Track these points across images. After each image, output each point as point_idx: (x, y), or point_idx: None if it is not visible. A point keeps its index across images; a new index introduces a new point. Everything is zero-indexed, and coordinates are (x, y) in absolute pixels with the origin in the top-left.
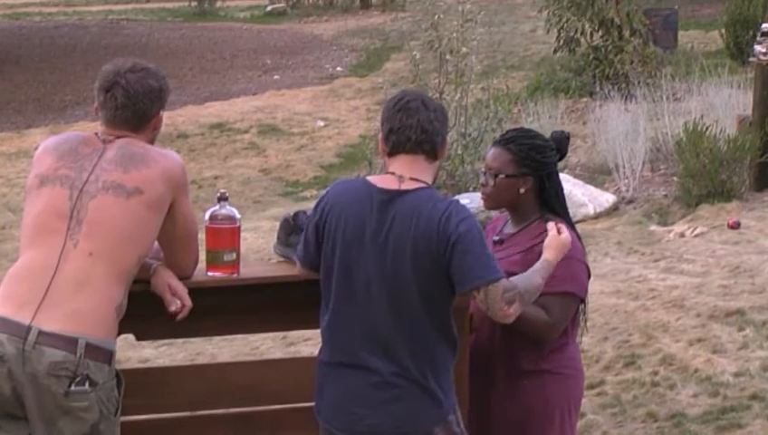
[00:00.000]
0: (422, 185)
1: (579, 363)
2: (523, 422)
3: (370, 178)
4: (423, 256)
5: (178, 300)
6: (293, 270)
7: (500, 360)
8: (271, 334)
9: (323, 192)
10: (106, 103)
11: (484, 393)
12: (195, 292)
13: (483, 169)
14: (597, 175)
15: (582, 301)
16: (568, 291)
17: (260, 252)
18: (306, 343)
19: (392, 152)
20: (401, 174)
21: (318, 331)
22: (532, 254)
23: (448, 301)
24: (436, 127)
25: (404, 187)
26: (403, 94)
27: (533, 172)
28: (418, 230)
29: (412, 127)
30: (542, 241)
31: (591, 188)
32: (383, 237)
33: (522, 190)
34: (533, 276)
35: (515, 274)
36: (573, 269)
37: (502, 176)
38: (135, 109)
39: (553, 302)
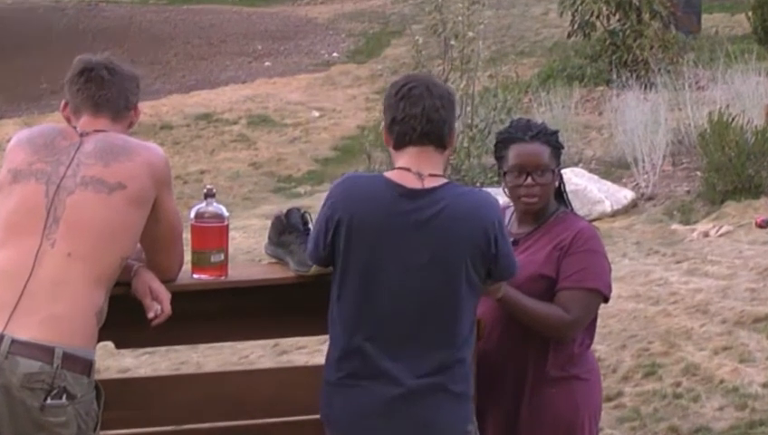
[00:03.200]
0: (444, 180)
1: (598, 368)
2: (555, 433)
3: (389, 176)
4: (465, 256)
5: (158, 305)
6: (286, 272)
7: (523, 367)
8: (261, 342)
9: (334, 185)
10: (88, 84)
11: (514, 403)
12: (179, 296)
13: (513, 170)
14: (614, 169)
15: (606, 300)
16: (592, 287)
17: (250, 252)
18: (300, 351)
19: (398, 145)
20: (419, 171)
21: (313, 338)
22: (559, 251)
23: (476, 300)
24: (443, 115)
25: (428, 185)
26: (406, 80)
27: (558, 163)
28: (459, 232)
29: (416, 117)
30: (566, 236)
31: (608, 184)
32: (414, 239)
33: (556, 184)
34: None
35: (545, 276)
36: (598, 264)
37: (549, 173)
38: (120, 88)
39: (574, 298)
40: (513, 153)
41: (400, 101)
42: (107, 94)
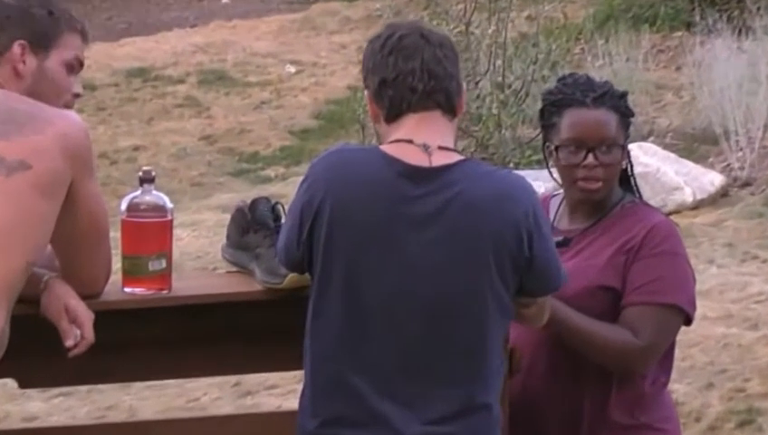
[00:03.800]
0: (459, 157)
1: (677, 415)
2: None
3: (386, 149)
4: (488, 261)
5: (78, 329)
6: (251, 285)
7: (576, 412)
8: (217, 380)
9: (314, 162)
10: None
11: None
12: (105, 317)
13: (568, 144)
14: (697, 145)
15: (688, 322)
16: (669, 303)
17: (201, 258)
18: (269, 392)
19: (392, 114)
20: (424, 142)
21: (287, 374)
22: (625, 254)
23: (507, 322)
24: (448, 68)
25: (437, 162)
26: (392, 29)
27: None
28: (479, 227)
29: (414, 72)
30: (635, 234)
31: (689, 165)
32: (418, 236)
33: (623, 165)
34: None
35: (606, 287)
36: (679, 272)
37: (616, 149)
38: None
39: (646, 316)
40: (570, 121)
41: (389, 56)
42: None
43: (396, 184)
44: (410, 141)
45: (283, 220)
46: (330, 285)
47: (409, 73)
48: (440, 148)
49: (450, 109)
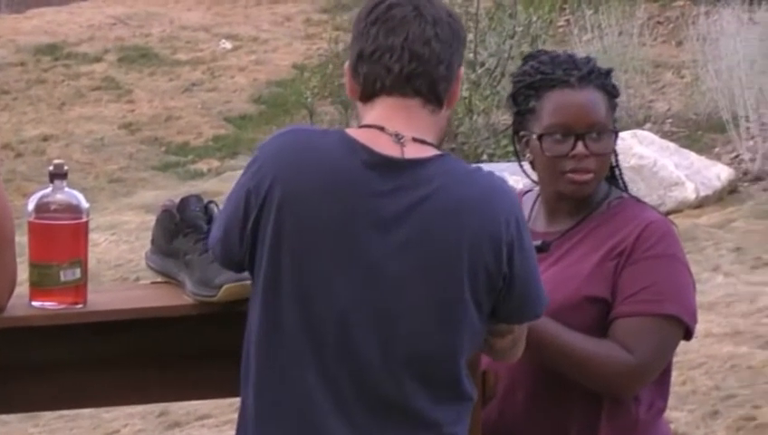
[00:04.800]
0: (436, 151)
1: None
2: None
3: (352, 133)
4: (461, 275)
5: None
6: (180, 298)
7: None
8: (140, 409)
9: (263, 143)
10: None
11: None
12: (9, 335)
13: (553, 131)
14: (701, 133)
15: (689, 334)
16: (666, 313)
17: (122, 266)
18: (201, 423)
19: (366, 93)
20: (397, 132)
21: (222, 402)
22: (615, 259)
23: (475, 345)
24: (437, 50)
25: (410, 154)
26: None
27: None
28: (454, 234)
29: (394, 50)
30: (626, 235)
31: (692, 156)
32: (384, 238)
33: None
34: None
35: (594, 298)
36: (678, 277)
37: (608, 135)
38: None
39: (640, 329)
40: (554, 105)
41: (372, 27)
42: None
43: (361, 175)
44: (382, 129)
45: None
46: (278, 294)
47: (387, 50)
48: (415, 140)
49: (434, 98)
